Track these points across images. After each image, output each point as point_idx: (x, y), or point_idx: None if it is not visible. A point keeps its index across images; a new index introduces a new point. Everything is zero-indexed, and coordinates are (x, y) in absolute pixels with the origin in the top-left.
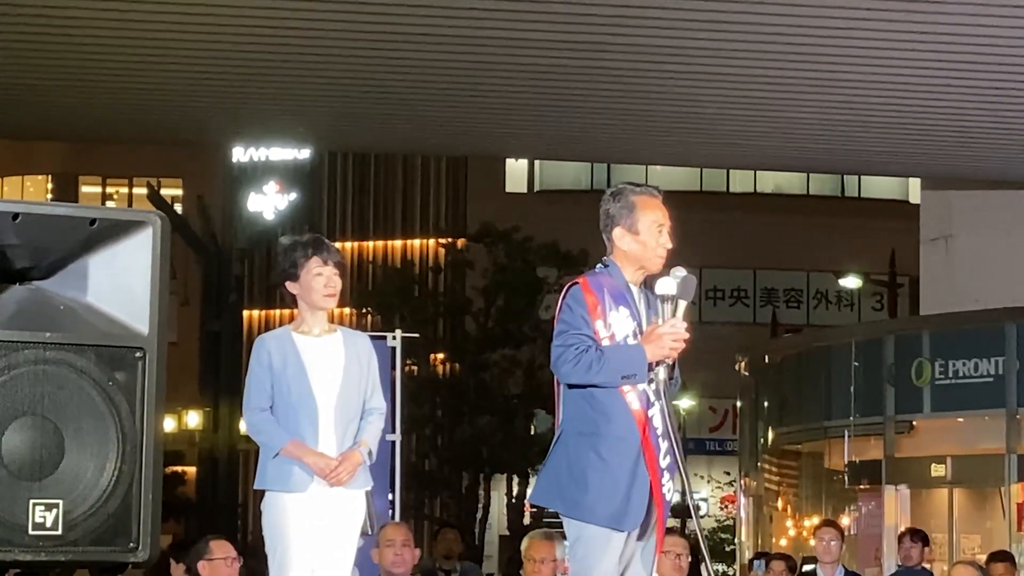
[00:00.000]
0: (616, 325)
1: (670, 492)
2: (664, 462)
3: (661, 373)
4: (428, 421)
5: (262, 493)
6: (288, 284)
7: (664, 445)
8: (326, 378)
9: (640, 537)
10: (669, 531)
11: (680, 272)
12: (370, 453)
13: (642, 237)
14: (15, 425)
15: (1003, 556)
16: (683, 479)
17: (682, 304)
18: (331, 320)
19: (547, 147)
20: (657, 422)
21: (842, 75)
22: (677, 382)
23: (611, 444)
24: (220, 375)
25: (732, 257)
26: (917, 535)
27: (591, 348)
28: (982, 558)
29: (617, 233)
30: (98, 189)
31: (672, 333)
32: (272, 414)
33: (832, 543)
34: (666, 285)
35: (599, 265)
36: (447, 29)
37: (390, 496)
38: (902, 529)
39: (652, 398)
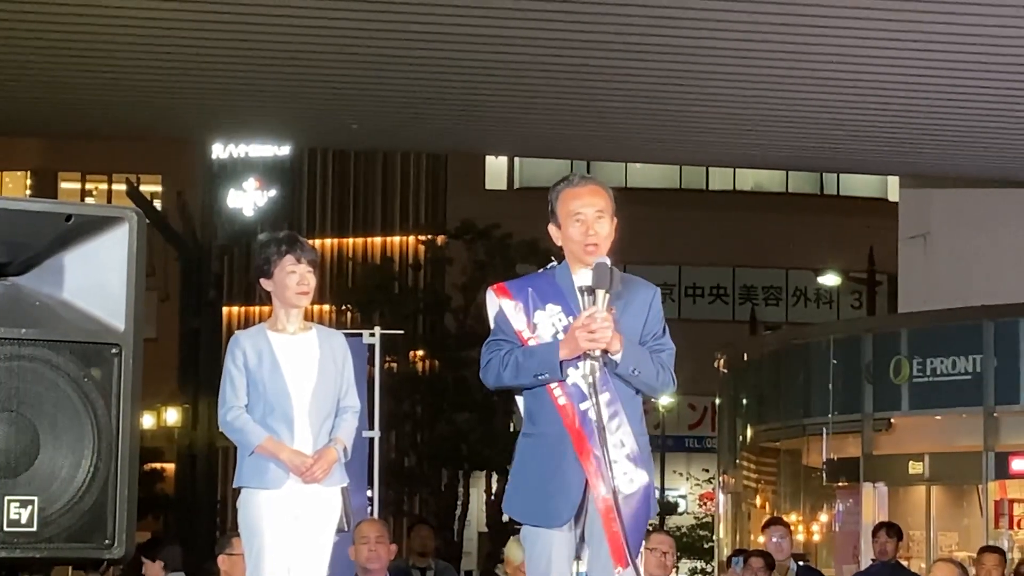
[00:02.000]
0: (542, 324)
1: (633, 483)
2: (614, 453)
3: (586, 367)
4: (407, 418)
5: (239, 490)
6: (262, 281)
7: (615, 437)
8: (301, 376)
9: (584, 534)
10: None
11: (596, 261)
12: (345, 450)
13: (564, 231)
14: None
15: (994, 549)
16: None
17: (600, 294)
18: (309, 317)
19: (527, 144)
20: (593, 415)
21: (821, 73)
22: (640, 375)
23: (537, 442)
24: (199, 372)
25: (711, 254)
26: (892, 529)
27: (500, 352)
28: (960, 555)
29: (551, 230)
30: (77, 185)
31: (584, 326)
32: (247, 412)
33: (782, 541)
34: (583, 277)
35: (550, 263)
36: (426, 27)
37: (369, 493)
38: (876, 523)
39: (587, 392)
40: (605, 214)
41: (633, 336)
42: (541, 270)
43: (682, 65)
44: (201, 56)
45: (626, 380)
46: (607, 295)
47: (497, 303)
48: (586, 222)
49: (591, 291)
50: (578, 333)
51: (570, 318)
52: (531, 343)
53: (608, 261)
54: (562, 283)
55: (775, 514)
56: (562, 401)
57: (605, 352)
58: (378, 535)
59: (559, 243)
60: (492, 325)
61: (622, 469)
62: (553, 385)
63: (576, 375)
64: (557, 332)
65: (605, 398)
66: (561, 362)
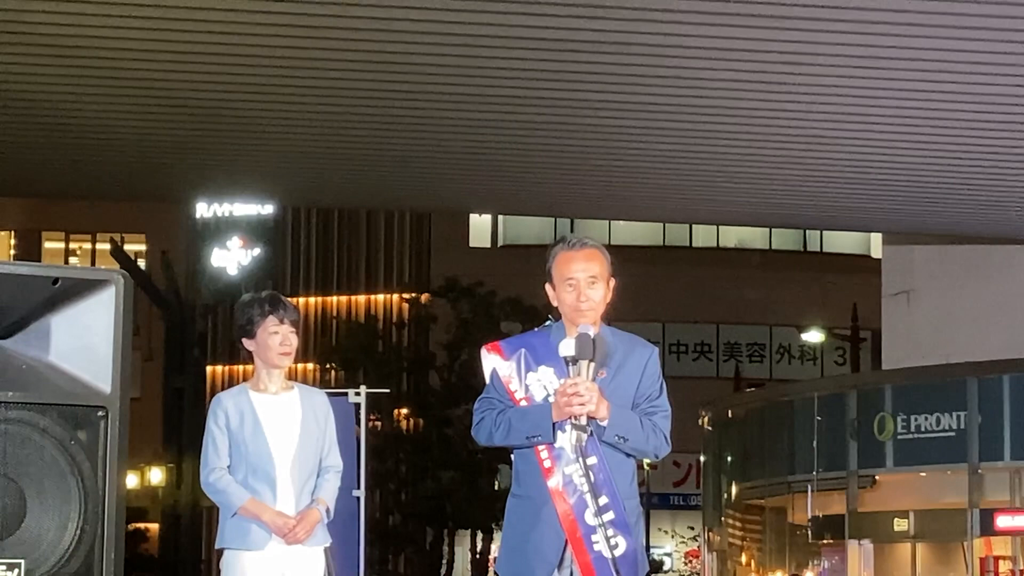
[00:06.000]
0: (533, 386)
1: (616, 548)
2: (598, 519)
3: (570, 431)
4: (392, 476)
5: (222, 551)
6: (244, 341)
7: (600, 502)
8: (283, 436)
9: None
10: None
11: (580, 330)
12: (328, 510)
13: (557, 295)
14: None
15: None
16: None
17: (582, 363)
18: (293, 376)
19: (510, 202)
20: (578, 479)
21: (804, 132)
22: (627, 441)
23: (520, 503)
24: (183, 431)
25: (695, 311)
26: None
27: (492, 411)
28: None
29: (548, 291)
30: (61, 245)
31: (562, 391)
32: (230, 472)
33: None
34: (565, 347)
35: (547, 322)
36: (410, 86)
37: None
38: None
39: (572, 455)
40: (599, 279)
41: (625, 398)
42: (537, 329)
43: (664, 123)
44: (185, 118)
45: (612, 445)
46: (591, 364)
47: (491, 362)
48: (577, 287)
49: (574, 361)
50: (561, 400)
51: (562, 380)
52: (522, 404)
53: (592, 331)
54: (556, 344)
55: (760, 571)
56: (547, 464)
57: (591, 418)
58: None
59: (555, 304)
60: (487, 382)
61: (606, 534)
62: (541, 447)
63: (563, 439)
64: (548, 395)
65: (592, 462)
66: (553, 424)
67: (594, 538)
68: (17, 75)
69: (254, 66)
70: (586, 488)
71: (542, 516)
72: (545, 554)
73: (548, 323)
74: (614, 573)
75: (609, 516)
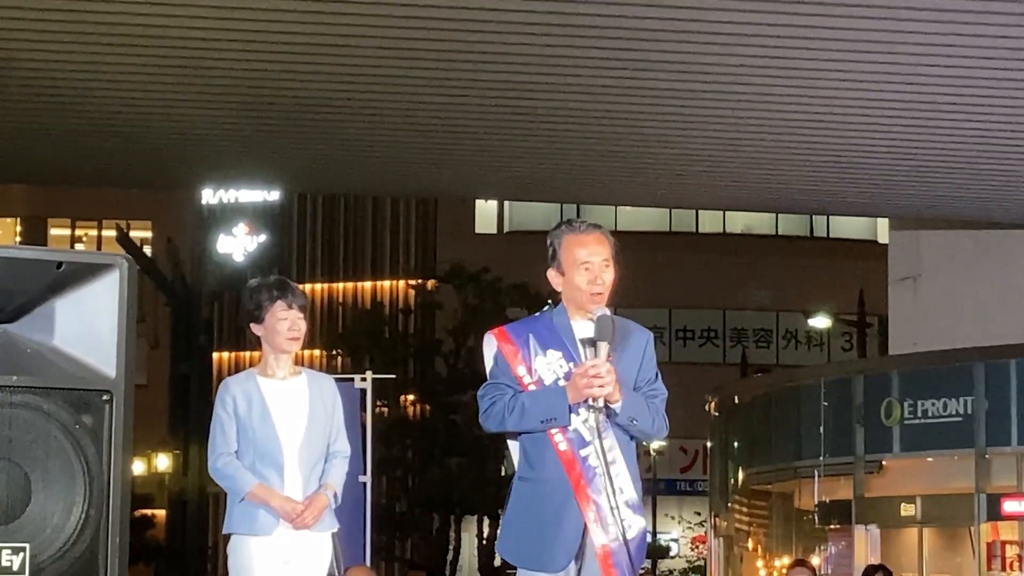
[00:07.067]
0: (542, 370)
1: (629, 530)
2: (614, 500)
3: (585, 413)
4: (398, 463)
5: (229, 536)
6: (252, 326)
7: (617, 483)
8: (291, 421)
9: None
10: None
11: (597, 312)
12: (335, 496)
13: (567, 277)
14: None
15: None
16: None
17: (601, 346)
18: (300, 362)
19: (516, 188)
20: (594, 461)
21: (810, 116)
22: (637, 423)
23: (537, 487)
24: (189, 418)
25: (702, 297)
26: (884, 571)
27: (504, 396)
28: None
29: (550, 275)
30: (67, 232)
31: (582, 374)
32: (237, 458)
33: None
34: (583, 328)
35: (546, 307)
36: (415, 71)
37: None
38: (868, 565)
39: (587, 438)
40: (611, 262)
41: (628, 382)
42: (539, 313)
43: (671, 109)
44: (190, 105)
45: (623, 427)
46: (608, 346)
47: (496, 347)
48: (593, 271)
49: (592, 343)
50: (581, 382)
51: (570, 364)
52: (531, 388)
53: (608, 312)
54: (560, 328)
55: (767, 557)
56: (563, 447)
57: (606, 402)
58: None
59: (558, 288)
60: (489, 368)
61: (621, 515)
62: (554, 431)
63: (577, 421)
64: (558, 378)
65: (608, 444)
66: (568, 407)
67: (610, 519)
68: (24, 61)
69: (260, 52)
70: (603, 470)
71: (560, 500)
72: (568, 539)
73: (547, 308)
74: (627, 554)
75: (624, 497)
